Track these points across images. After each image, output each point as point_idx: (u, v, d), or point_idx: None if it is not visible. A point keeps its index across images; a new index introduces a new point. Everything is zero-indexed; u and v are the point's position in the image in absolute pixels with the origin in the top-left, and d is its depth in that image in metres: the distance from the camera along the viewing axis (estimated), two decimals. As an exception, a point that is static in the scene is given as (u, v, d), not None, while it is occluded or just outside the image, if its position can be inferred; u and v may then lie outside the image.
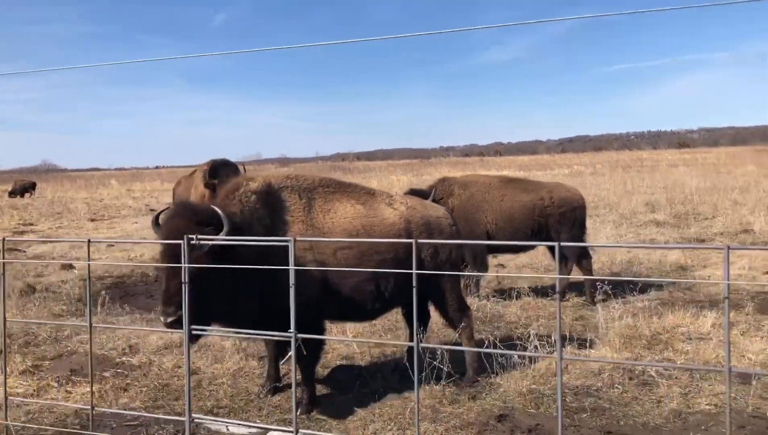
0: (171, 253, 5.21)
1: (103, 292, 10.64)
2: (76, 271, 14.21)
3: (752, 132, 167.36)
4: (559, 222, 10.20)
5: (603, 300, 9.75)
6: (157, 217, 5.94)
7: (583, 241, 10.43)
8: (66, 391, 6.74)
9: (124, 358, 7.74)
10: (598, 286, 9.91)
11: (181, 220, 5.46)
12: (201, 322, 5.30)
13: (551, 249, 10.62)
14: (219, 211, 5.48)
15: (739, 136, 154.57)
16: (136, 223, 25.97)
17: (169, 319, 5.21)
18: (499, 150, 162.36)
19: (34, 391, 6.74)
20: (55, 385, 6.89)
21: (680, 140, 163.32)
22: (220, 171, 15.16)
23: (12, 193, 46.61)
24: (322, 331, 6.40)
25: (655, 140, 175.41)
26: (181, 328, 5.32)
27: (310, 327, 5.96)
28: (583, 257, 10.28)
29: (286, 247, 4.26)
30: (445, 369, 6.51)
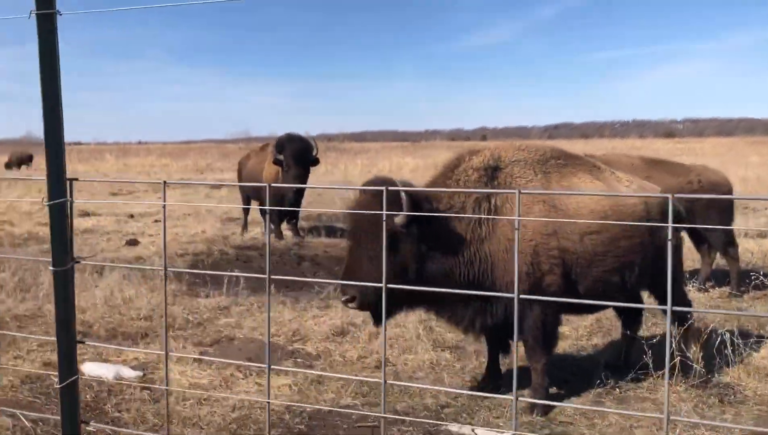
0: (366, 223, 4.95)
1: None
2: (140, 247, 13.36)
3: (736, 124, 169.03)
4: (708, 207, 9.59)
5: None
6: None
7: (731, 227, 9.85)
8: (256, 383, 5.99)
9: (296, 346, 6.98)
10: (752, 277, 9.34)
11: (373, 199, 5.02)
12: (395, 304, 5.25)
13: (694, 235, 10.01)
14: (402, 193, 4.83)
15: (724, 128, 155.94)
16: (160, 198, 24.98)
17: (353, 301, 5.03)
18: (485, 135, 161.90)
19: (220, 383, 5.98)
20: (241, 376, 6.14)
21: (666, 130, 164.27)
22: (286, 146, 14.36)
23: (8, 165, 45.15)
24: (558, 328, 5.88)
25: (641, 129, 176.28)
26: (368, 309, 5.20)
27: (551, 324, 5.60)
28: (729, 245, 9.71)
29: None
30: (696, 367, 5.86)
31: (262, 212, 15.99)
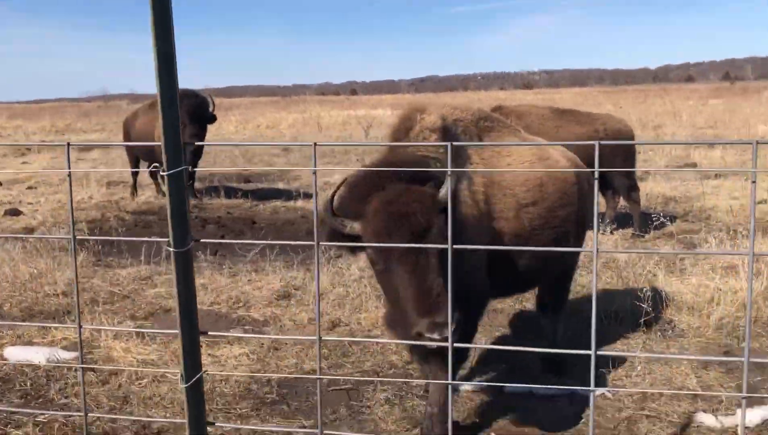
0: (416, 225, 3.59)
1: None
2: (24, 217, 12.24)
3: (587, 74, 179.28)
4: (613, 154, 10.08)
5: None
6: (332, 199, 3.82)
7: (634, 174, 10.43)
8: (209, 355, 5.69)
9: (240, 313, 6.69)
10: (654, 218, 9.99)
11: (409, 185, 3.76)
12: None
13: (599, 180, 10.49)
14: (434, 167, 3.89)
15: (577, 78, 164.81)
16: (25, 163, 23.05)
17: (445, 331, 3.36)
18: (354, 89, 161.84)
19: (171, 358, 5.64)
20: (191, 348, 5.80)
21: (524, 81, 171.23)
22: (182, 103, 13.58)
23: None
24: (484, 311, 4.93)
25: (501, 81, 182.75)
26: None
27: (478, 310, 4.63)
28: (631, 189, 10.29)
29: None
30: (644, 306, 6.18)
31: (153, 174, 15.13)
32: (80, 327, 1.92)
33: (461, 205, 4.25)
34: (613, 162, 10.08)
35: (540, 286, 5.50)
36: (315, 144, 1.79)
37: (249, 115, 47.64)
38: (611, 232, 10.19)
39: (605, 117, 10.54)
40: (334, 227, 3.71)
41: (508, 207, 4.64)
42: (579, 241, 5.42)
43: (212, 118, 13.86)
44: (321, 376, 2.05)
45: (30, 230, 11.04)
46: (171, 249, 1.56)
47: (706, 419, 4.58)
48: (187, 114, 13.35)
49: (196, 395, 1.62)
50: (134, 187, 14.87)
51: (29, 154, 26.47)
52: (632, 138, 10.41)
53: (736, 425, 4.47)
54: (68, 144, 2.43)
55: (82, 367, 1.93)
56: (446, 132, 4.59)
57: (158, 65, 1.47)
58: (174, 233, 1.55)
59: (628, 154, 10.25)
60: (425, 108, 4.76)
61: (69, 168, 2.38)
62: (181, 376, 1.63)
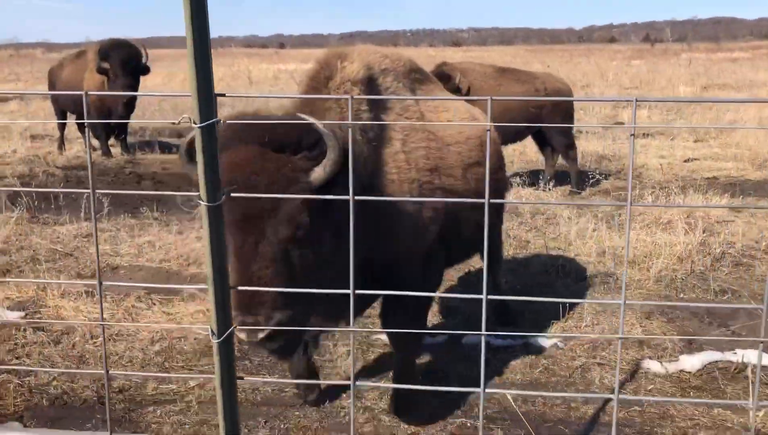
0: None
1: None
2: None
3: (514, 33, 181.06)
4: (552, 112, 10.30)
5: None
6: (190, 145, 3.11)
7: (572, 131, 10.70)
8: (163, 312, 5.61)
9: (192, 270, 6.58)
10: (589, 175, 10.32)
11: (262, 147, 3.01)
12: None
13: (538, 139, 10.75)
14: (320, 127, 3.05)
15: (504, 37, 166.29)
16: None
17: (267, 329, 2.89)
18: (282, 42, 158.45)
19: (124, 316, 5.52)
20: (144, 306, 5.70)
21: (453, 39, 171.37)
22: (112, 53, 13.04)
23: None
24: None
25: (430, 38, 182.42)
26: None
27: (433, 283, 4.29)
28: (569, 148, 10.57)
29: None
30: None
31: (81, 128, 14.53)
32: (100, 284, 1.86)
33: (385, 177, 3.77)
34: (553, 120, 10.31)
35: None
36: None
37: (175, 67, 46.03)
38: (550, 189, 10.48)
39: (545, 76, 10.74)
40: (190, 175, 2.97)
41: (455, 165, 4.24)
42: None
43: (145, 70, 13.34)
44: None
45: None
46: (203, 203, 1.53)
47: (652, 365, 4.85)
48: (119, 65, 12.84)
49: (227, 350, 1.61)
50: (62, 141, 14.25)
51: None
52: (570, 95, 10.66)
53: (679, 370, 4.77)
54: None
55: (102, 324, 1.88)
56: (372, 84, 4.02)
57: (190, 8, 1.42)
58: (207, 187, 1.52)
59: (566, 114, 10.49)
60: (347, 54, 4.08)
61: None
62: (212, 331, 1.61)
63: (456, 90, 9.51)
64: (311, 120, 3.05)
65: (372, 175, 3.70)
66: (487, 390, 1.84)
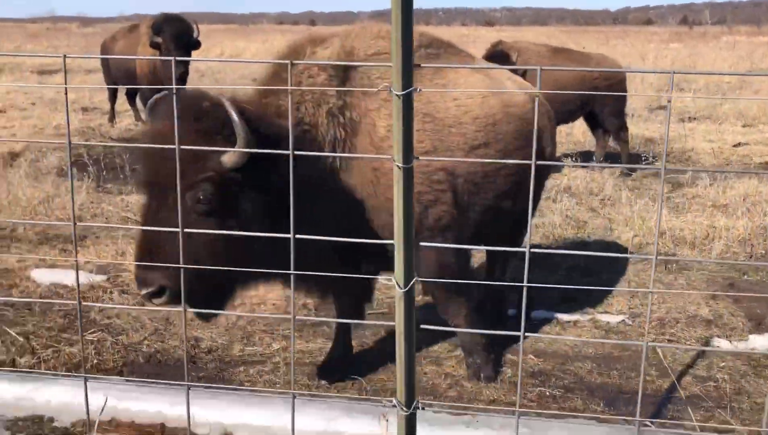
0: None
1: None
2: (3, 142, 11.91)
3: (549, 13, 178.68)
4: (606, 92, 10.31)
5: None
6: (153, 104, 3.59)
7: (624, 113, 10.70)
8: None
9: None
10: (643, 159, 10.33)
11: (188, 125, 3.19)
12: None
13: (590, 120, 10.76)
14: (232, 113, 3.17)
15: (538, 17, 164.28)
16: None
17: (160, 296, 3.31)
18: (313, 19, 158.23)
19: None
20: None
21: (486, 18, 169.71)
22: (165, 27, 13.24)
23: None
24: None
25: (463, 17, 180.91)
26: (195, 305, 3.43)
27: (456, 265, 4.20)
28: (621, 129, 10.57)
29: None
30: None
31: (131, 100, 14.83)
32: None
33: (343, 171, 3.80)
34: (605, 101, 10.31)
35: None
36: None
37: (208, 43, 46.29)
38: (600, 171, 10.51)
39: (599, 57, 10.73)
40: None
41: (455, 147, 4.06)
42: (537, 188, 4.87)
43: (197, 44, 13.54)
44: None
45: (15, 156, 10.79)
46: (398, 164, 1.67)
47: (722, 343, 4.95)
48: (172, 39, 13.04)
49: (409, 300, 1.77)
50: (113, 114, 14.57)
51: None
52: (624, 80, 10.64)
53: (751, 349, 4.86)
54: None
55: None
56: (346, 68, 3.90)
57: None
58: (402, 150, 1.67)
59: (619, 95, 10.49)
60: (326, 39, 4.08)
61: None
62: (396, 282, 1.77)
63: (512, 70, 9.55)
64: (227, 106, 3.18)
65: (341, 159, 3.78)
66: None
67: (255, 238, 3.03)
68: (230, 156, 3.19)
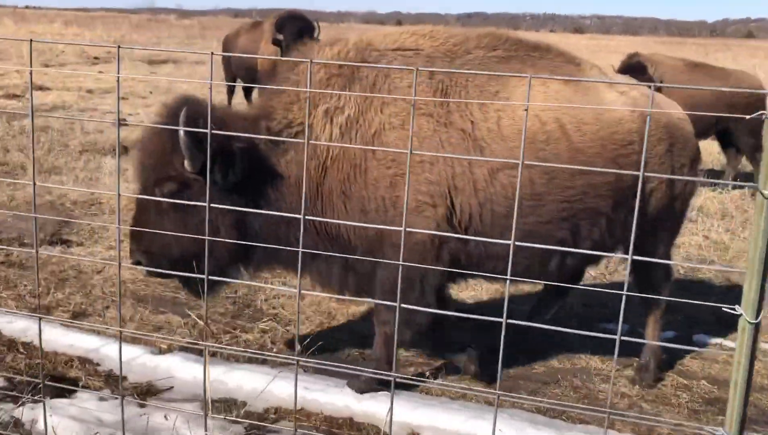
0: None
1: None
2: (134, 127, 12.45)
3: (641, 23, 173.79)
4: (744, 111, 9.91)
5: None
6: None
7: (761, 132, 10.27)
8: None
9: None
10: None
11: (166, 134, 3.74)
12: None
13: (722, 138, 10.39)
14: (180, 132, 3.51)
15: (629, 26, 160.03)
16: (102, 72, 23.24)
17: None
18: (400, 20, 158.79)
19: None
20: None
21: (575, 25, 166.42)
22: (287, 25, 13.54)
23: None
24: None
25: (549, 23, 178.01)
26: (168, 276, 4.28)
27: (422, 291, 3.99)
28: (756, 150, 10.16)
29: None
30: None
31: (248, 94, 15.26)
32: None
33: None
34: (740, 120, 9.92)
35: None
36: None
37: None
38: (731, 189, 10.14)
39: (739, 73, 10.36)
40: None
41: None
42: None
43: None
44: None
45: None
46: (763, 192, 1.65)
47: None
48: (292, 37, 13.32)
49: (755, 333, 1.75)
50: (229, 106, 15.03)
51: (100, 64, 26.74)
52: (765, 98, 10.21)
53: None
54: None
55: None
56: (354, 69, 3.91)
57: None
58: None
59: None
60: (339, 41, 4.09)
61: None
62: (744, 313, 1.76)
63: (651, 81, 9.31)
64: (181, 121, 3.51)
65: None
66: None
67: (218, 227, 3.76)
68: (187, 163, 3.65)
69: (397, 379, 2.57)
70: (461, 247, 3.91)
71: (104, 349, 4.46)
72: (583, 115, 3.93)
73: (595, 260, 4.89)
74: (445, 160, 3.78)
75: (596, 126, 3.96)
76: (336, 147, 3.84)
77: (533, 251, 3.88)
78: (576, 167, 3.75)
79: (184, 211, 3.79)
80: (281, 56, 13.54)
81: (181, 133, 3.51)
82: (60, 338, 4.52)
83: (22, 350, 4.41)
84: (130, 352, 4.41)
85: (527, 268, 4.05)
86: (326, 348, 4.68)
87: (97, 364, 4.35)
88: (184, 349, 4.53)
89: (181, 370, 4.27)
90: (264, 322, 4.98)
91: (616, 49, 62.59)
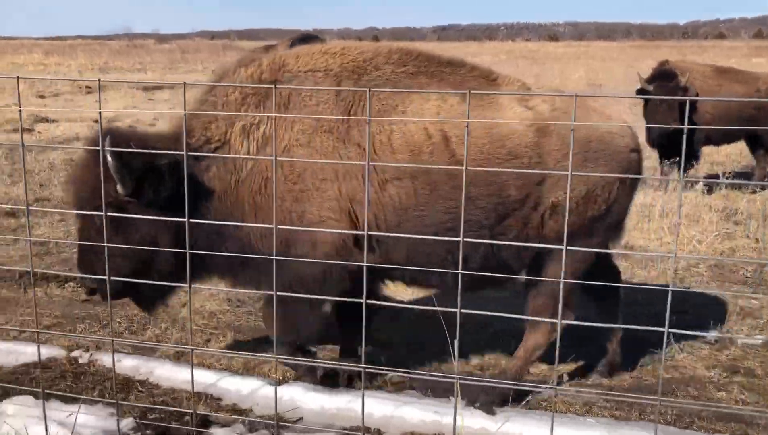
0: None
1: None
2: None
3: (613, 27, 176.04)
4: (771, 115, 10.12)
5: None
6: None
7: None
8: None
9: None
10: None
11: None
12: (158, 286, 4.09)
13: (753, 140, 10.57)
14: (108, 158, 3.64)
15: (602, 31, 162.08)
16: (98, 100, 23.08)
17: (94, 293, 4.31)
18: (376, 35, 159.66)
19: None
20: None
21: (549, 33, 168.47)
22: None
23: None
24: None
25: (524, 32, 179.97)
26: (120, 297, 4.35)
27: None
28: (785, 150, 10.36)
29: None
30: None
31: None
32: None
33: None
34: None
35: None
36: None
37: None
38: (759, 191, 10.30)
39: (766, 76, 10.54)
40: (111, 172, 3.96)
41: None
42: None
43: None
44: None
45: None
46: None
47: None
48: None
49: None
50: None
51: (94, 93, 26.55)
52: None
53: None
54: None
55: None
56: (263, 93, 4.09)
57: None
58: None
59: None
60: (257, 59, 4.25)
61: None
62: None
63: (678, 90, 9.44)
64: (107, 149, 3.64)
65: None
66: None
67: (158, 242, 3.97)
68: (120, 187, 3.78)
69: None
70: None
71: (222, 383, 4.44)
72: (471, 128, 3.97)
73: (497, 282, 4.58)
74: (344, 176, 3.96)
75: (483, 140, 4.00)
76: (250, 162, 4.03)
77: (430, 259, 4.06)
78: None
79: (125, 232, 3.96)
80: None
81: (109, 158, 3.65)
82: (175, 374, 4.50)
83: (141, 389, 4.38)
84: (251, 384, 4.41)
85: (426, 276, 4.20)
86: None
87: (219, 399, 4.34)
88: (297, 378, 4.52)
89: (307, 400, 4.27)
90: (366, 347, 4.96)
91: (594, 55, 63.40)
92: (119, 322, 5.31)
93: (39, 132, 15.34)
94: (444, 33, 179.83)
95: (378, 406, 4.13)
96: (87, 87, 28.21)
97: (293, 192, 3.98)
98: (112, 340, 3.25)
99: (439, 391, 4.43)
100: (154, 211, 3.87)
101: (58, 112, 18.17)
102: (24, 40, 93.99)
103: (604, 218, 4.20)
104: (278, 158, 3.98)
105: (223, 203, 4.05)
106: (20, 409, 4.03)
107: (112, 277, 3.67)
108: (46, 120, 17.01)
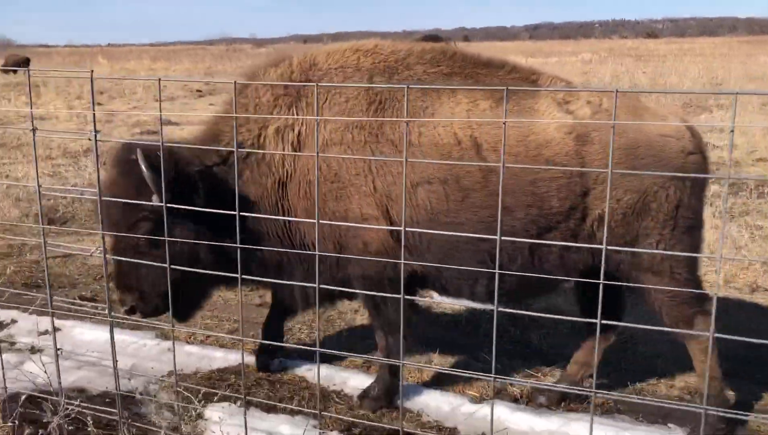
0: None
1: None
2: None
3: (718, 23, 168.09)
4: None
5: None
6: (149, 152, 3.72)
7: None
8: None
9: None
10: None
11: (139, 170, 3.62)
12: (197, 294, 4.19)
13: None
14: (143, 168, 3.53)
15: (705, 27, 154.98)
16: (212, 104, 23.78)
17: (134, 313, 4.05)
18: (466, 35, 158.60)
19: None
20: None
21: (647, 30, 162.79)
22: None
23: (5, 70, 42.59)
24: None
25: (620, 29, 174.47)
26: (161, 313, 4.10)
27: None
28: None
29: None
30: None
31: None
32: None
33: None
34: None
35: None
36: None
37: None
38: None
39: None
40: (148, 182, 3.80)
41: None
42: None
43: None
44: None
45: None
46: None
47: None
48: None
49: None
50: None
51: (206, 96, 27.43)
52: None
53: None
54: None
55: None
56: (299, 89, 3.94)
57: None
58: None
59: None
60: (287, 58, 4.11)
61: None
62: None
63: None
64: (140, 160, 3.53)
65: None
66: None
67: (198, 252, 3.86)
68: (155, 198, 3.56)
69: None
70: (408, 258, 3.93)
71: (421, 398, 4.27)
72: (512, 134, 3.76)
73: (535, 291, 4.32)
74: (378, 171, 3.80)
75: (518, 148, 3.73)
76: (289, 167, 3.92)
77: (461, 271, 3.84)
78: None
79: (162, 246, 3.66)
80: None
81: (144, 170, 3.52)
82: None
83: (338, 399, 4.25)
84: (450, 400, 4.23)
85: (458, 288, 4.02)
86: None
87: (419, 415, 4.15)
88: (497, 393, 4.30)
89: (516, 420, 4.04)
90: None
91: (701, 51, 60.46)
92: (300, 329, 5.23)
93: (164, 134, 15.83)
94: (536, 32, 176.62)
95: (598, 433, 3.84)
96: (198, 90, 29.26)
97: (333, 191, 3.85)
98: (317, 351, 3.05)
99: (648, 415, 4.11)
100: (189, 222, 3.75)
101: (180, 116, 18.78)
102: (132, 47, 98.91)
103: (669, 225, 3.75)
104: (320, 155, 3.76)
105: (260, 206, 3.93)
106: (223, 416, 3.97)
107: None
108: (170, 122, 17.57)
